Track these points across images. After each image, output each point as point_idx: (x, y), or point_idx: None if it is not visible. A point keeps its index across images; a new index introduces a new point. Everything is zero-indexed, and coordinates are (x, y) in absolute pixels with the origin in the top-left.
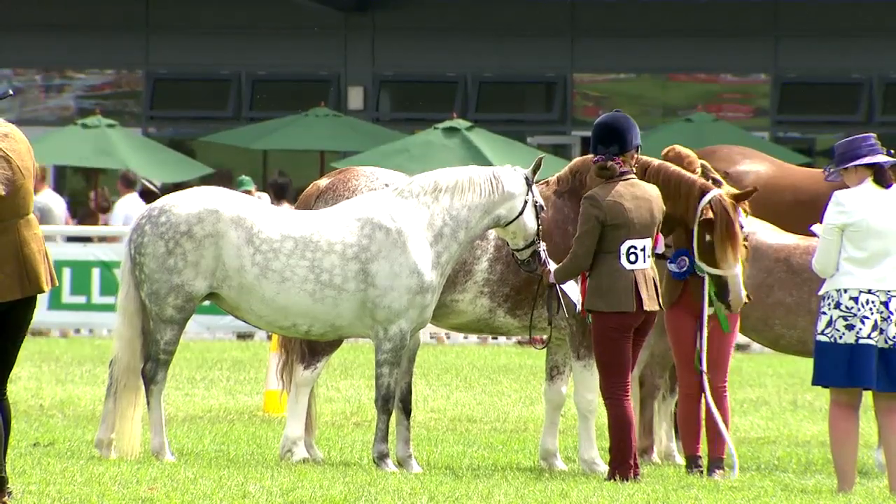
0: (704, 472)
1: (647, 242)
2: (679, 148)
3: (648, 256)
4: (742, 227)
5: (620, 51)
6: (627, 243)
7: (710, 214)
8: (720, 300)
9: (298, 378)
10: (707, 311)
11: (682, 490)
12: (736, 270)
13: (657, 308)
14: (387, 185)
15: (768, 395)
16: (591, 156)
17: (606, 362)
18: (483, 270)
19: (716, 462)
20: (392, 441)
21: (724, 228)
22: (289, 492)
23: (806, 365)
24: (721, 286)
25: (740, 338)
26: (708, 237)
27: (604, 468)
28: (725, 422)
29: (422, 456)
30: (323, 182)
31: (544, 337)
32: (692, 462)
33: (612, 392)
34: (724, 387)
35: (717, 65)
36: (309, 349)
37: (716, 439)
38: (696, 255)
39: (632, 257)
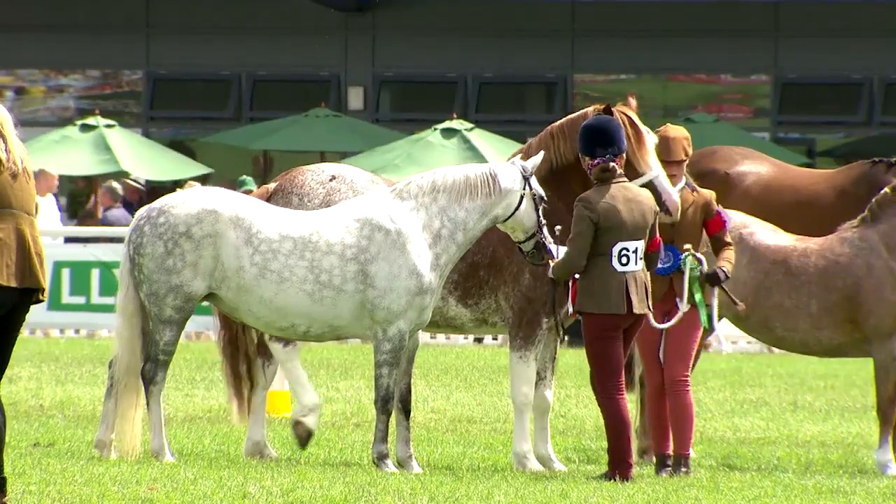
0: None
1: (639, 245)
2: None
3: (640, 259)
4: (725, 221)
5: (620, 51)
6: (619, 245)
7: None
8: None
9: (282, 355)
10: (683, 307)
11: (682, 490)
12: (657, 171)
13: (647, 311)
14: (333, 178)
15: (768, 395)
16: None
17: (599, 362)
18: None
19: (679, 459)
20: (392, 441)
21: (633, 131)
22: (289, 492)
23: (806, 365)
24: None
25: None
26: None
27: (535, 464)
28: (688, 416)
29: (422, 456)
30: (272, 185)
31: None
32: (662, 462)
33: (607, 391)
34: (686, 380)
35: (717, 65)
36: None
37: (681, 436)
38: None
39: (623, 259)
